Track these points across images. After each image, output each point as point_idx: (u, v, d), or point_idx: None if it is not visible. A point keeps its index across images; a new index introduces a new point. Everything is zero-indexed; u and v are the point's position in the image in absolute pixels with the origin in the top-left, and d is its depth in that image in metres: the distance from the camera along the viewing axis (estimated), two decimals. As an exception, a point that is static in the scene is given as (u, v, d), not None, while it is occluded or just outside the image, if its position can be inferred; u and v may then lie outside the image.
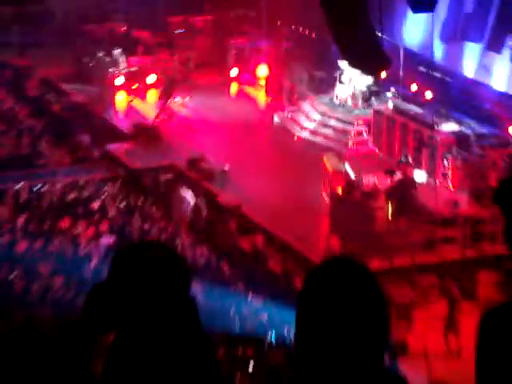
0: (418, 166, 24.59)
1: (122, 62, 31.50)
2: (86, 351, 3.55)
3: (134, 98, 30.23)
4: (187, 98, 29.96)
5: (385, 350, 3.46)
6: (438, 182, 24.32)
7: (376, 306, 3.42)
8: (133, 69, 31.21)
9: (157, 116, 29.67)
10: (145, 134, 28.23)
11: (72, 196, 24.76)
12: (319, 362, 3.42)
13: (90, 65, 32.42)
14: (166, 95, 30.04)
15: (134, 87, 30.84)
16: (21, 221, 23.20)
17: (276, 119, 29.24)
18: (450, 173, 24.22)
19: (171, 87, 30.15)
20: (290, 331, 17.89)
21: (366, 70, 24.36)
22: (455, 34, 27.49)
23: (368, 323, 3.39)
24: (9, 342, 16.49)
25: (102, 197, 24.72)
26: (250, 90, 31.09)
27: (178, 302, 3.56)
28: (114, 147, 27.70)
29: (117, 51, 31.44)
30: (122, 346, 3.53)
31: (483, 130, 24.99)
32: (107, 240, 22.12)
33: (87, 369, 3.54)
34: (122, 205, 24.64)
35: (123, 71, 30.98)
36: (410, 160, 24.40)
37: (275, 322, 18.47)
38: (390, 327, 3.43)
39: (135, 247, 3.73)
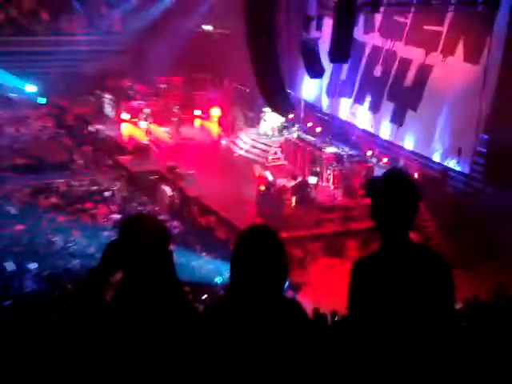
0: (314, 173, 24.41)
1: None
2: (102, 283, 3.51)
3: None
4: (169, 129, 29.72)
5: (284, 285, 3.59)
6: (323, 183, 24.24)
7: (279, 255, 3.56)
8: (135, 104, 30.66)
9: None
10: (140, 150, 28.03)
11: (93, 188, 24.60)
12: (243, 291, 3.58)
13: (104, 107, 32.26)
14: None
15: (133, 120, 30.31)
16: (61, 203, 23.04)
17: (223, 142, 29.10)
18: (331, 178, 24.24)
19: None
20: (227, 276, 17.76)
21: (280, 113, 24.42)
22: (335, 92, 27.52)
23: (274, 266, 3.54)
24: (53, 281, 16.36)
25: (113, 189, 24.59)
26: (207, 124, 30.88)
27: (163, 251, 3.58)
28: (121, 158, 27.55)
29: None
30: (127, 281, 3.54)
31: (352, 152, 24.94)
32: (115, 217, 21.95)
33: (100, 296, 3.52)
34: (125, 194, 24.56)
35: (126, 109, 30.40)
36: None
37: (220, 271, 18.36)
38: (289, 271, 3.58)
39: (136, 216, 3.72)
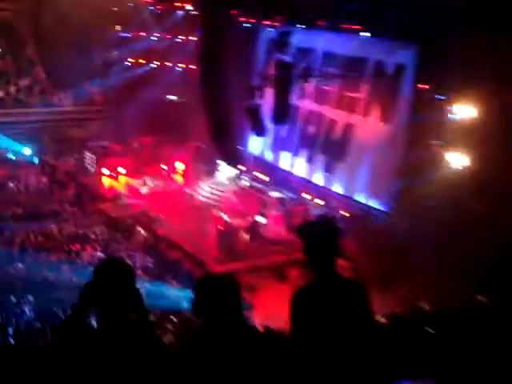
0: (262, 214, 24.61)
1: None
2: (83, 315, 3.54)
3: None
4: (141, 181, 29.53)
5: (242, 312, 3.71)
6: (270, 223, 24.42)
7: (233, 289, 3.68)
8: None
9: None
10: (118, 198, 27.87)
11: (81, 231, 24.45)
12: (207, 317, 3.66)
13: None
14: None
15: (112, 174, 30.10)
16: (54, 244, 22.77)
17: (187, 191, 29.34)
18: (277, 218, 24.47)
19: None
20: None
21: (232, 165, 24.61)
22: (277, 147, 28.05)
23: (229, 299, 3.63)
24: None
25: (96, 231, 24.50)
26: (173, 176, 30.96)
27: (130, 288, 3.56)
28: (102, 205, 27.60)
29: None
30: (102, 313, 3.55)
31: (292, 195, 25.37)
32: (99, 254, 22.06)
33: (79, 328, 3.55)
34: (107, 236, 24.34)
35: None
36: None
37: (187, 297, 18.14)
38: (242, 300, 3.68)
39: (106, 262, 3.69)
